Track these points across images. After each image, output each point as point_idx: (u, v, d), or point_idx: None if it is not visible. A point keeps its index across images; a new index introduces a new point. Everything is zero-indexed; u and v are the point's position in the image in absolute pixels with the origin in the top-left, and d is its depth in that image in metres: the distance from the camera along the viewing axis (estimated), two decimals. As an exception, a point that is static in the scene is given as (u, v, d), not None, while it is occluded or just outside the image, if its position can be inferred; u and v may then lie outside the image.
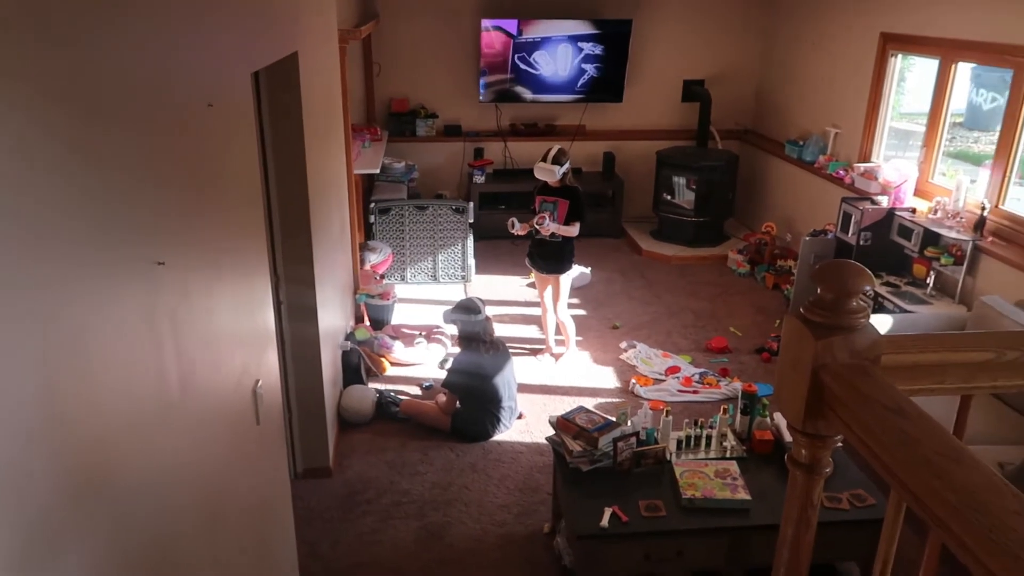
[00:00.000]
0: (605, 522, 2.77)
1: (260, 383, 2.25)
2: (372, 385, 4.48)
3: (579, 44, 6.87)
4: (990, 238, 4.34)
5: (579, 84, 7.00)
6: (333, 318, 4.07)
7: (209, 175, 1.87)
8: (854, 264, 1.11)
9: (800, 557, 1.21)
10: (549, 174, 4.51)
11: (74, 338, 1.17)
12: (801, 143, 6.32)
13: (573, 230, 4.56)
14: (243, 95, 2.21)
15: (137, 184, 1.41)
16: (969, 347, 1.12)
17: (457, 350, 4.26)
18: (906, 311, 4.39)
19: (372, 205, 5.79)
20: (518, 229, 4.68)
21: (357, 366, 4.40)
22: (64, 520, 1.12)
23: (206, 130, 1.84)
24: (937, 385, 1.11)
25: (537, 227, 4.53)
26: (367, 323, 5.02)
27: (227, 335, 1.99)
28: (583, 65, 6.93)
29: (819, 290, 1.12)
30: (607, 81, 7.00)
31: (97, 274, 1.24)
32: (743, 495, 2.86)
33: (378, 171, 5.70)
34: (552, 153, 4.51)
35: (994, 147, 4.48)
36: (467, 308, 4.20)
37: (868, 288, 1.08)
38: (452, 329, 4.55)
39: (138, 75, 1.42)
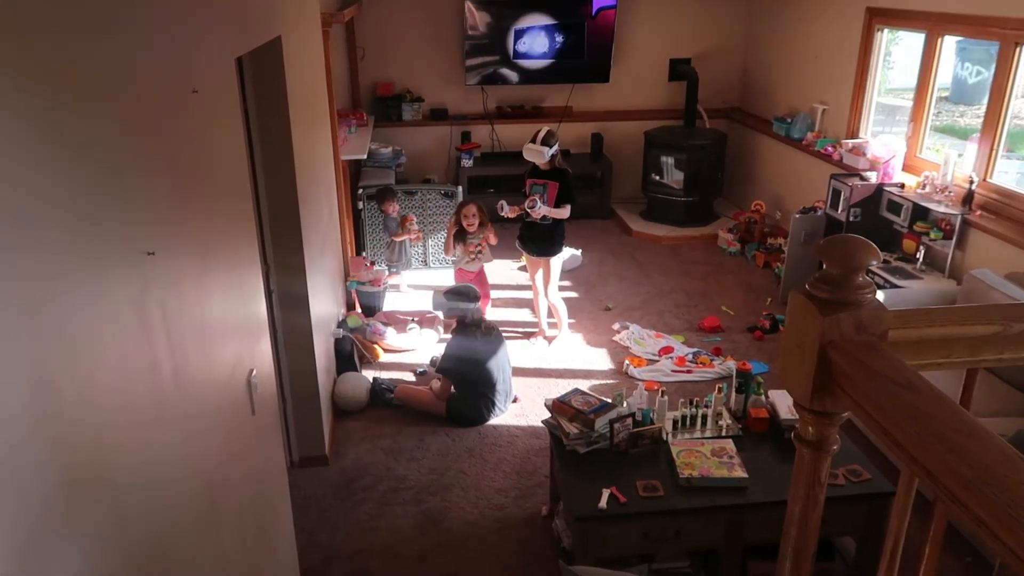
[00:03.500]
0: (603, 503, 2.77)
1: (254, 373, 2.22)
2: (366, 372, 4.45)
3: (564, 23, 6.80)
4: (978, 212, 4.36)
5: (565, 64, 6.93)
6: (325, 306, 4.03)
7: (196, 162, 1.83)
8: (860, 239, 1.09)
9: (808, 535, 1.21)
10: (538, 155, 4.47)
11: (65, 332, 1.14)
12: (789, 120, 6.30)
13: (564, 212, 4.53)
14: (227, 80, 2.16)
15: (123, 172, 1.38)
16: (975, 320, 1.11)
17: (449, 336, 4.24)
18: (897, 286, 4.41)
19: (360, 191, 5.74)
20: (507, 212, 4.65)
21: (350, 353, 4.37)
22: (62, 520, 1.10)
23: (191, 116, 1.80)
24: (944, 359, 1.10)
25: (528, 210, 4.51)
26: (358, 310, 4.99)
27: (219, 325, 1.96)
28: (569, 45, 6.86)
29: (824, 265, 1.10)
30: (593, 61, 6.94)
31: (86, 265, 1.21)
32: (740, 473, 2.87)
33: (365, 156, 5.64)
34: (541, 134, 4.47)
35: (980, 120, 4.48)
36: (461, 293, 4.18)
37: (875, 262, 1.07)
38: (441, 313, 4.53)
39: (122, 60, 1.38)
